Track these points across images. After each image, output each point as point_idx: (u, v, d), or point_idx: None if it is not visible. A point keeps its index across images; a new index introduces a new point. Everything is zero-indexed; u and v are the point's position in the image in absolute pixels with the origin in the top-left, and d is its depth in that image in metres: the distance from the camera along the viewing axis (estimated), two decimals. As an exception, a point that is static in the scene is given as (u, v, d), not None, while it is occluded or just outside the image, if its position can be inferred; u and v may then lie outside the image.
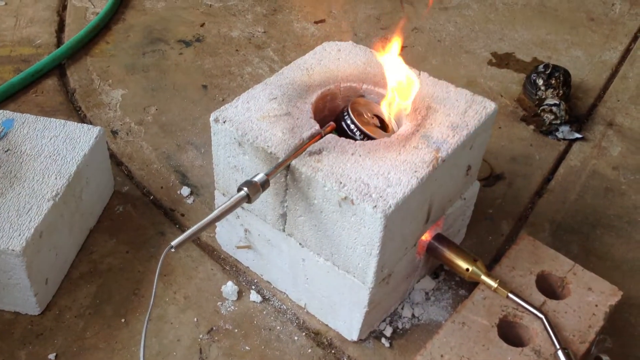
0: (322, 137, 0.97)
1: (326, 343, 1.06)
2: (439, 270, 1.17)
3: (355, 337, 1.04)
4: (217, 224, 1.15)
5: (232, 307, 1.10)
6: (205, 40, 1.75)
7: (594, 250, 1.24)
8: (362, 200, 0.87)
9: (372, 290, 0.96)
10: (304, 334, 1.07)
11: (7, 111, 1.21)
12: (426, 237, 1.05)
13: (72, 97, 1.55)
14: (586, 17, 1.93)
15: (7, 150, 1.13)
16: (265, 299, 1.11)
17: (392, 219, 0.87)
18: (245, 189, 0.88)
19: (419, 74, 1.09)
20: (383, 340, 1.06)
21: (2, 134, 1.16)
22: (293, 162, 0.93)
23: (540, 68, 1.58)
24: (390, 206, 0.87)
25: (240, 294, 1.11)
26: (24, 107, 1.48)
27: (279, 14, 1.90)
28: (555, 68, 1.58)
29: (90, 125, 1.20)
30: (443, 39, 1.82)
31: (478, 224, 1.25)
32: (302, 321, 1.09)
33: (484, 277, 1.02)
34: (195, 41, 1.75)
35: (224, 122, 0.99)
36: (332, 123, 1.01)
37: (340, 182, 0.90)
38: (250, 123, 0.98)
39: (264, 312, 1.09)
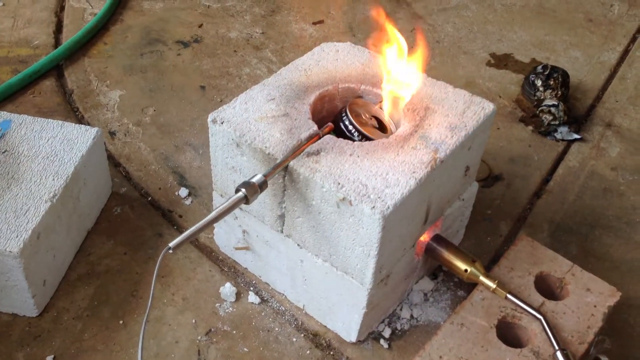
0: (320, 138, 0.97)
1: (325, 344, 1.06)
2: (438, 271, 1.17)
3: (353, 338, 1.04)
4: (215, 225, 1.15)
5: (231, 309, 1.09)
6: (203, 41, 1.75)
7: (593, 251, 1.24)
8: (360, 201, 0.87)
9: (370, 291, 0.96)
10: (302, 335, 1.07)
11: (5, 112, 1.21)
12: (425, 238, 1.05)
13: (69, 98, 1.54)
14: (584, 18, 1.93)
15: (4, 151, 1.13)
16: (263, 300, 1.11)
17: (390, 219, 0.87)
18: (243, 190, 0.88)
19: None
20: (382, 341, 1.06)
21: (-1, 135, 1.16)
22: (291, 163, 0.93)
23: (539, 69, 1.59)
24: (388, 207, 0.86)
25: (238, 295, 1.11)
26: (21, 108, 1.48)
27: (277, 15, 1.90)
28: (554, 69, 1.58)
29: (88, 126, 1.19)
30: (442, 40, 1.82)
31: (477, 224, 1.25)
32: (300, 322, 1.08)
33: (482, 278, 1.02)
34: (194, 42, 1.75)
35: (222, 123, 0.98)
36: (330, 124, 1.01)
37: (339, 183, 0.89)
38: (248, 124, 0.98)
39: (263, 314, 1.09)
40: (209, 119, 1.00)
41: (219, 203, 1.05)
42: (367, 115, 1.05)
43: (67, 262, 1.14)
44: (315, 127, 0.98)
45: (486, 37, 1.83)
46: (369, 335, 1.06)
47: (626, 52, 1.81)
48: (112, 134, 1.44)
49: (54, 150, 1.13)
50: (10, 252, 0.97)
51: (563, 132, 1.48)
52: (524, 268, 1.06)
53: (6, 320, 1.05)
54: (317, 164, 0.92)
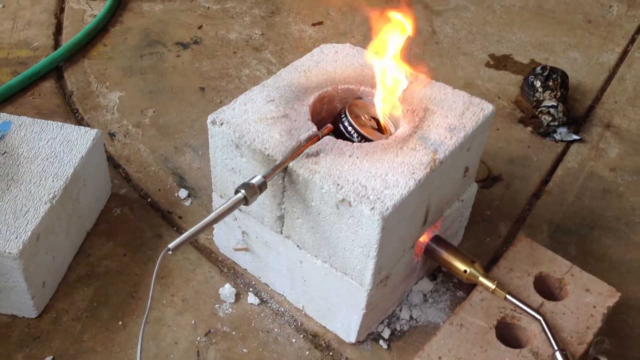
0: (319, 139, 0.97)
1: (324, 345, 1.06)
2: (437, 272, 1.17)
3: (353, 339, 1.04)
4: (214, 226, 1.15)
5: (230, 310, 1.09)
6: (202, 43, 1.75)
7: (592, 251, 1.24)
8: (359, 202, 0.87)
9: (369, 292, 0.96)
10: (301, 336, 1.07)
11: (5, 114, 1.21)
12: (424, 238, 1.05)
13: (69, 99, 1.54)
14: (583, 19, 1.93)
15: (4, 153, 1.13)
16: (263, 301, 1.11)
17: (389, 220, 0.87)
18: (243, 191, 0.88)
19: (416, 76, 1.09)
20: (381, 342, 1.06)
21: (-1, 137, 1.16)
22: (290, 164, 0.93)
23: (538, 70, 1.59)
24: (387, 208, 0.87)
25: (238, 296, 1.11)
26: (21, 110, 1.48)
27: (277, 16, 1.90)
28: (553, 70, 1.58)
29: (88, 128, 1.19)
30: (441, 41, 1.82)
31: (476, 225, 1.25)
32: (300, 323, 1.08)
33: (481, 279, 1.02)
34: (193, 43, 1.75)
35: (222, 124, 0.99)
36: (329, 125, 1.01)
37: (338, 184, 0.90)
38: (248, 125, 0.98)
39: (262, 315, 1.09)
40: (209, 120, 1.00)
41: (218, 204, 1.05)
42: (367, 117, 1.05)
43: (67, 264, 1.14)
44: (314, 129, 0.98)
45: (485, 38, 1.84)
46: (369, 336, 1.06)
47: (625, 53, 1.81)
48: (111, 135, 1.44)
49: (54, 152, 1.13)
50: (10, 253, 0.97)
51: (562, 133, 1.48)
52: (523, 269, 1.06)
53: (5, 321, 1.05)
54: (317, 165, 0.92)
